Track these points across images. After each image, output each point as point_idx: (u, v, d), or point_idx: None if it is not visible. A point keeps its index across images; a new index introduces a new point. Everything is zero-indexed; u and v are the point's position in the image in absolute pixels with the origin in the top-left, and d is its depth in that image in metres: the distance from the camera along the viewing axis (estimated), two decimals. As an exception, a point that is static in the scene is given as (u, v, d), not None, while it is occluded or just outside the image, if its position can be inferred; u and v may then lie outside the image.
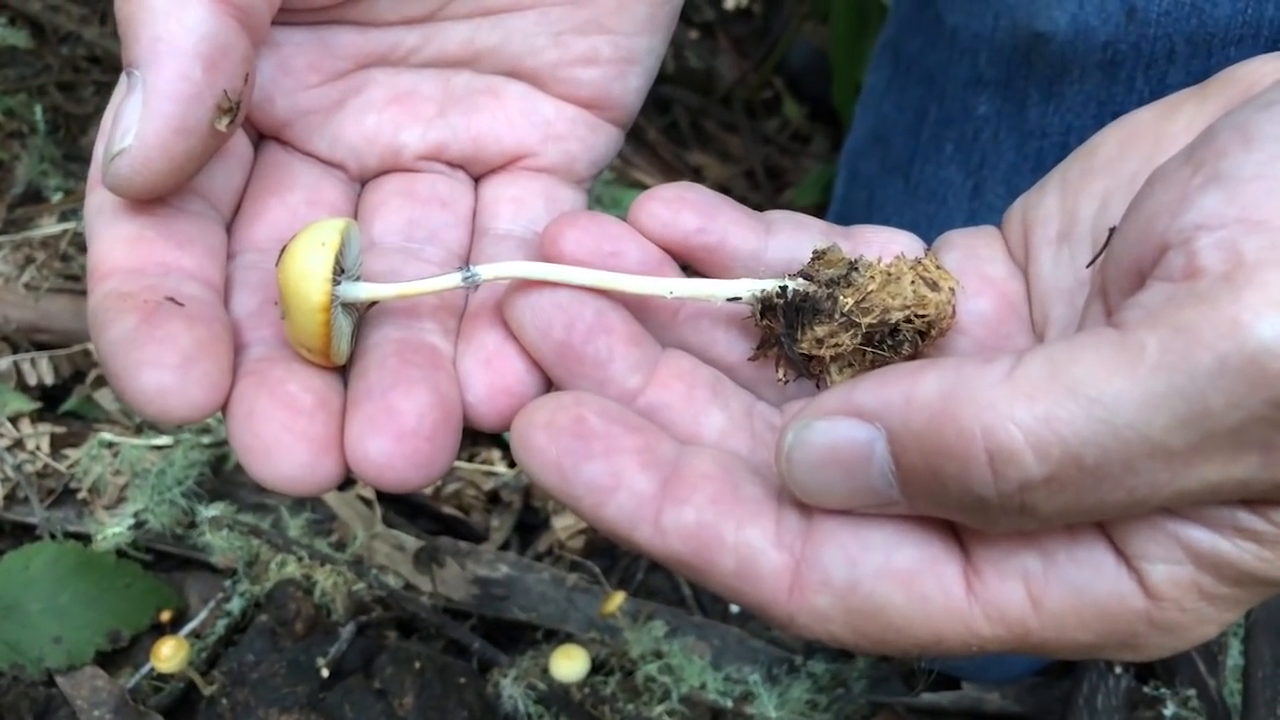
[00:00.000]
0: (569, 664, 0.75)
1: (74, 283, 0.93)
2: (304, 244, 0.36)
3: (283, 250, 0.36)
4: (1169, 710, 0.72)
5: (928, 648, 0.32)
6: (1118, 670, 0.74)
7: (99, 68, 1.20)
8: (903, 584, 0.32)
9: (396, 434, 0.34)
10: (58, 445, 0.85)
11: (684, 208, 0.39)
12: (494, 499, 0.93)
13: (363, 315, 0.39)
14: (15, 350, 0.88)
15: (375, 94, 0.44)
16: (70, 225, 0.96)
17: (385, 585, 0.79)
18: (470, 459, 0.94)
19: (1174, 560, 0.30)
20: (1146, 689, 0.74)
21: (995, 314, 0.38)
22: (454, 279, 0.37)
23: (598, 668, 0.80)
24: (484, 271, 0.37)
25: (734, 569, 0.33)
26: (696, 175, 1.23)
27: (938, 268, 0.37)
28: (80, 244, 0.98)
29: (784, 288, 0.37)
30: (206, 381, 0.33)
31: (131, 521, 0.79)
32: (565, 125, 0.45)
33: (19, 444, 0.83)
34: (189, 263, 0.37)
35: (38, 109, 1.11)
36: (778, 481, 0.34)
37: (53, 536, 0.78)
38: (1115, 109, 0.61)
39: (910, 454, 0.30)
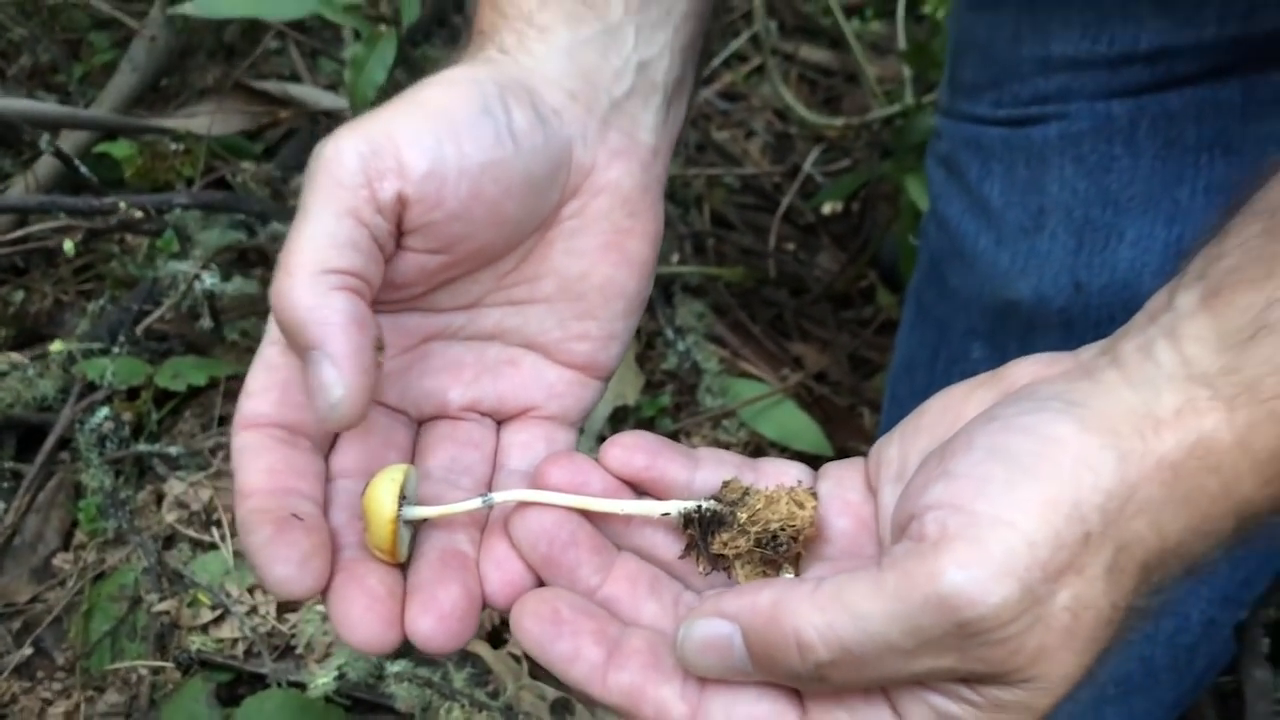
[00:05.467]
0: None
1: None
2: (381, 481, 0.49)
3: (366, 484, 0.49)
4: None
5: None
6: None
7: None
8: None
9: (439, 616, 0.47)
10: (281, 610, 1.09)
11: (636, 451, 0.52)
12: (618, 653, 1.12)
13: (418, 528, 0.52)
14: (252, 534, 1.14)
15: (432, 362, 0.56)
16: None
17: (528, 727, 0.99)
18: (443, 656, 1.13)
19: (927, 717, 0.42)
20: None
21: (852, 530, 0.51)
22: (476, 503, 0.51)
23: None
24: (497, 497, 0.51)
25: (653, 715, 0.45)
26: (797, 364, 1.43)
27: (807, 492, 0.50)
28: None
29: (699, 507, 0.50)
30: (316, 574, 0.46)
31: (336, 673, 1.01)
32: (563, 386, 0.58)
33: (252, 610, 1.08)
34: (304, 487, 0.49)
35: (264, 328, 1.40)
36: None
37: (279, 684, 1.02)
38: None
39: (753, 643, 0.42)
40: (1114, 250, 0.77)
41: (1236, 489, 0.42)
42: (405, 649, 1.02)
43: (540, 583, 0.50)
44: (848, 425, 1.36)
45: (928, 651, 0.40)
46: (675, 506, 0.51)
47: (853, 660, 0.41)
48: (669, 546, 0.52)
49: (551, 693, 1.04)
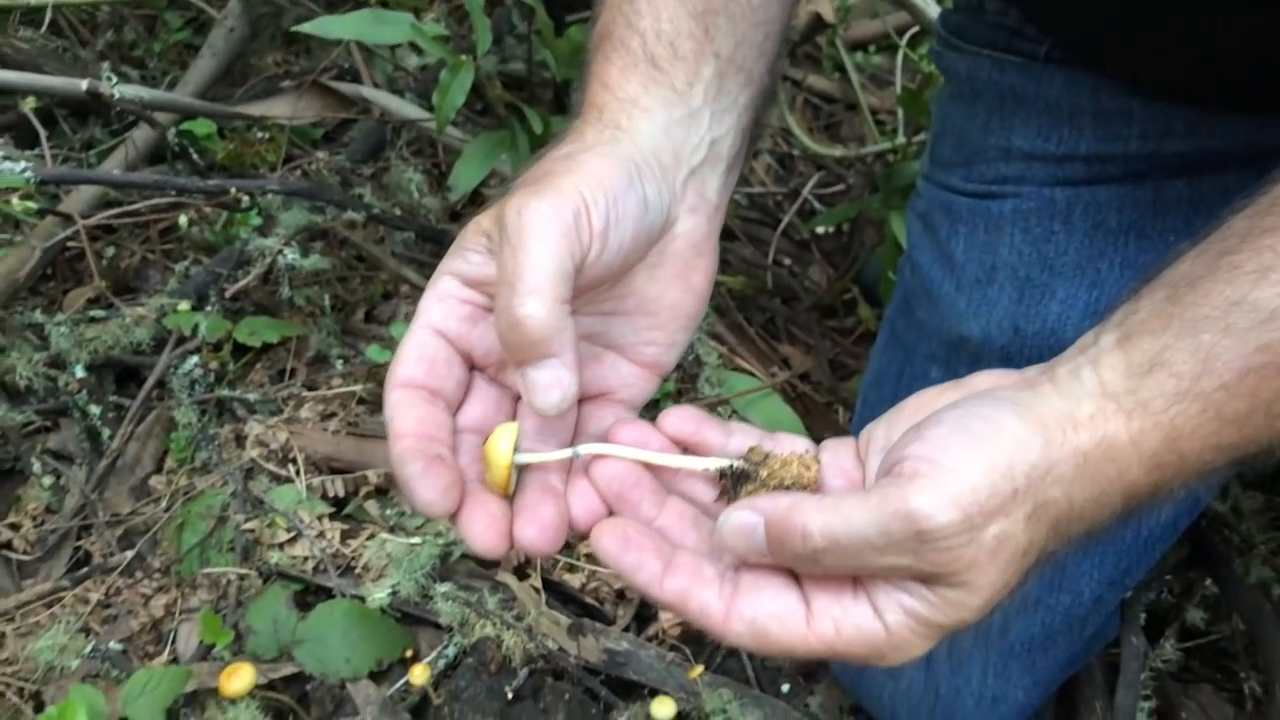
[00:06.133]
0: (663, 709, 1.14)
1: (355, 428, 1.41)
2: (500, 434, 0.62)
3: (486, 438, 0.62)
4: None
5: (791, 653, 0.57)
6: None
7: (364, 265, 1.69)
8: (777, 620, 0.56)
9: (540, 528, 0.60)
10: (344, 537, 1.30)
11: (687, 420, 0.65)
12: (620, 595, 1.34)
13: (521, 471, 0.64)
14: (319, 473, 1.36)
15: None
16: (354, 388, 1.45)
17: (546, 647, 1.20)
18: (542, 557, 1.34)
19: (894, 611, 0.55)
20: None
21: (845, 489, 0.62)
22: (568, 453, 0.64)
23: (682, 717, 1.19)
24: (583, 449, 0.64)
25: (697, 610, 0.57)
26: (785, 363, 1.65)
27: (813, 459, 0.62)
28: (361, 400, 1.46)
29: (731, 465, 0.62)
30: (452, 500, 0.59)
31: (389, 590, 1.22)
32: (633, 379, 0.72)
33: (321, 534, 1.29)
34: (443, 436, 0.61)
35: (325, 296, 1.59)
36: (720, 567, 0.59)
37: (343, 596, 1.23)
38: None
39: (771, 530, 0.55)
40: (1046, 305, 0.99)
41: (1127, 475, 0.57)
42: (448, 574, 1.23)
43: (611, 514, 0.63)
44: (825, 420, 1.59)
45: (893, 551, 0.54)
46: (714, 463, 0.64)
47: (839, 550, 0.54)
48: (707, 494, 0.65)
49: (565, 619, 1.26)
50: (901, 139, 1.78)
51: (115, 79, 1.28)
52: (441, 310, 0.65)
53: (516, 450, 0.63)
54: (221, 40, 1.82)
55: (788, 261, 1.85)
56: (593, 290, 0.70)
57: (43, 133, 1.45)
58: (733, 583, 0.59)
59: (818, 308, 1.75)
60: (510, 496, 0.63)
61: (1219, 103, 0.90)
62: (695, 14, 0.74)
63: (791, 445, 0.65)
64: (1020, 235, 1.01)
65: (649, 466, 0.64)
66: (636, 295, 0.72)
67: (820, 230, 1.84)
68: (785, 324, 1.71)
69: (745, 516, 0.58)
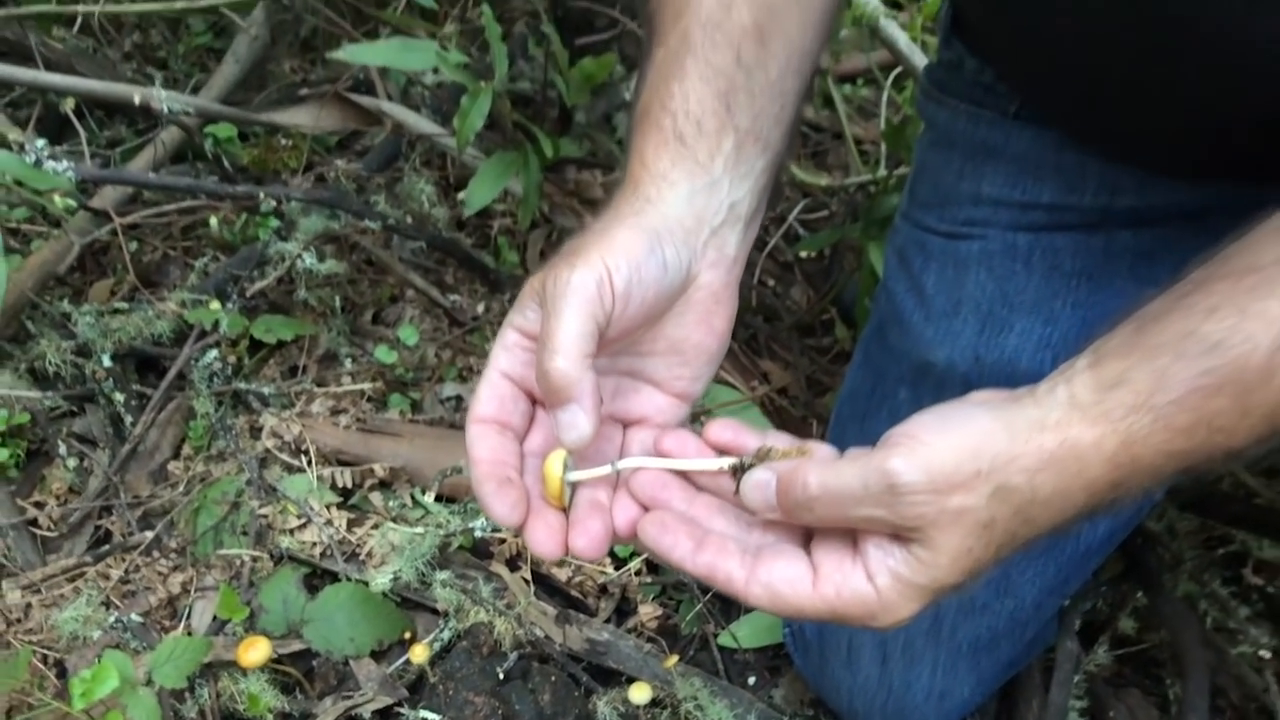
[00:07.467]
0: (640, 694, 1.24)
1: (362, 424, 1.50)
2: (554, 458, 0.72)
3: (544, 460, 0.73)
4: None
5: (800, 613, 0.66)
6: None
7: (373, 269, 1.78)
8: (789, 584, 0.65)
9: (588, 539, 0.70)
10: (350, 525, 1.39)
11: (726, 430, 0.74)
12: (603, 589, 1.44)
13: (575, 487, 0.75)
14: (328, 464, 1.45)
15: None
16: (362, 385, 1.54)
17: (534, 634, 1.30)
18: (590, 562, 1.45)
19: (883, 573, 0.63)
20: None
21: None
22: (607, 469, 0.74)
23: (656, 703, 1.29)
24: (619, 465, 0.75)
25: (723, 578, 0.67)
26: (765, 378, 1.75)
27: (808, 448, 0.70)
28: (369, 399, 1.55)
29: (741, 461, 0.71)
30: (519, 514, 0.70)
31: (391, 576, 1.31)
32: (666, 406, 0.82)
33: (329, 522, 1.38)
34: (512, 461, 0.73)
35: (336, 298, 1.68)
36: (743, 544, 0.69)
37: (348, 579, 1.32)
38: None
39: (780, 485, 0.66)
40: (1005, 337, 1.10)
41: (1088, 472, 0.64)
42: (446, 563, 1.32)
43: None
44: (800, 433, 1.65)
45: (870, 502, 0.63)
46: (726, 461, 0.73)
47: (829, 498, 0.64)
48: (729, 487, 0.73)
49: (552, 610, 1.35)
50: (883, 171, 1.89)
51: (165, 94, 1.37)
52: (507, 358, 0.77)
53: (567, 469, 0.74)
54: (245, 47, 1.90)
55: (771, 282, 1.96)
56: (628, 337, 0.81)
57: (83, 134, 1.53)
58: (753, 555, 0.69)
59: (798, 327, 1.86)
60: (566, 508, 0.75)
61: (1164, 168, 1.01)
62: (719, 93, 0.84)
63: (816, 447, 0.73)
64: (985, 273, 1.12)
65: (679, 472, 0.76)
66: (666, 338, 0.83)
67: (804, 254, 1.95)
68: (766, 341, 1.82)
69: (761, 474, 0.69)
